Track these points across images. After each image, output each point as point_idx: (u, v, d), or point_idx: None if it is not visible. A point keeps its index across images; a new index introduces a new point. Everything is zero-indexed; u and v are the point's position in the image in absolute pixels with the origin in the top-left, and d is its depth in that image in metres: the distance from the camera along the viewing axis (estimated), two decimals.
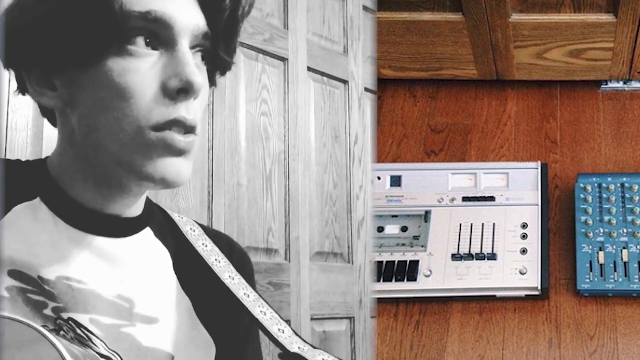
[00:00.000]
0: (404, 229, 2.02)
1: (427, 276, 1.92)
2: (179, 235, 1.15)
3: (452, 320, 1.92)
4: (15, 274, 0.95)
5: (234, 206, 2.69)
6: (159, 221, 1.15)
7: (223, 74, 1.11)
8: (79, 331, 0.96)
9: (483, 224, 2.01)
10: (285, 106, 2.97)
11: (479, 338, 1.89)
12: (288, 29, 3.02)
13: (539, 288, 1.89)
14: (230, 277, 1.12)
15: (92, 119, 0.97)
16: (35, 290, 0.95)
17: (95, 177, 1.02)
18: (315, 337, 2.95)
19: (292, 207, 2.92)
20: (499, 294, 1.93)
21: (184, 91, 0.96)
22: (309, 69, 3.10)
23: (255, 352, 1.23)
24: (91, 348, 0.96)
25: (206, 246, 1.15)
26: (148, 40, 0.97)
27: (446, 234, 1.99)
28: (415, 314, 1.94)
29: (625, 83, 2.40)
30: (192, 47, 1.00)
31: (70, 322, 0.96)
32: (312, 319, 2.95)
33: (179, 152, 0.96)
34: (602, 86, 2.41)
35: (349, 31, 3.32)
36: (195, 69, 0.97)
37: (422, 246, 1.98)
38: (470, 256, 1.95)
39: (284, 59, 2.99)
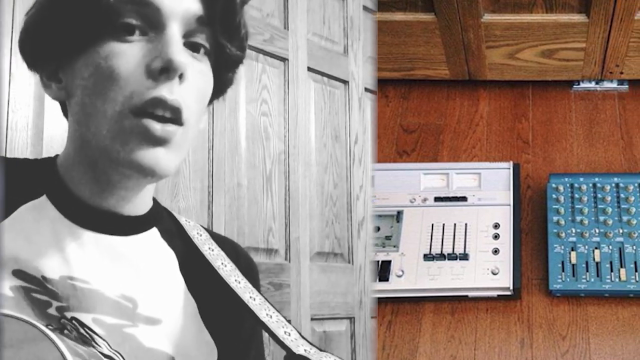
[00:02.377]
0: (376, 229, 2.01)
1: (399, 276, 1.91)
2: (186, 238, 1.15)
3: (424, 320, 1.92)
4: (19, 273, 0.95)
5: (234, 206, 2.68)
6: (166, 223, 1.14)
7: (231, 69, 1.10)
8: (82, 330, 0.96)
9: (455, 224, 2.00)
10: (285, 106, 2.96)
11: (450, 338, 1.88)
12: (288, 29, 3.01)
13: (511, 288, 1.89)
14: (236, 280, 1.12)
15: (85, 106, 0.98)
16: (38, 289, 0.95)
17: (92, 171, 1.02)
18: (315, 337, 2.93)
19: (292, 207, 2.91)
20: (470, 294, 1.92)
21: (165, 70, 0.95)
22: (309, 69, 3.09)
23: (258, 358, 1.22)
24: (94, 347, 0.95)
25: (212, 250, 1.15)
26: (137, 24, 0.97)
27: (418, 234, 1.99)
28: (387, 314, 1.93)
29: (597, 83, 2.40)
30: (189, 33, 1.00)
31: (73, 321, 0.96)
32: (312, 319, 2.93)
33: (156, 141, 0.96)
34: (574, 86, 2.42)
35: (349, 31, 3.31)
36: (178, 48, 0.96)
37: (394, 246, 1.97)
38: (442, 256, 1.94)
39: (284, 59, 2.97)
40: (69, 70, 1.01)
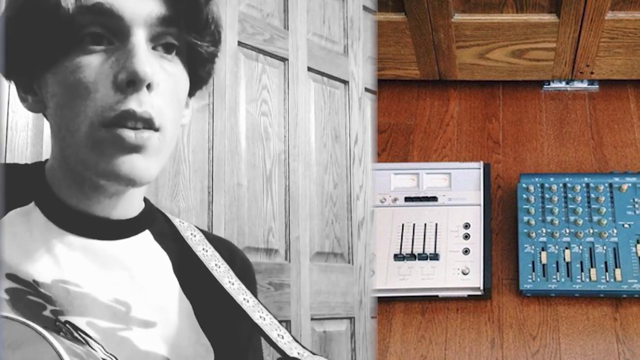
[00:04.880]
0: None
1: (370, 276, 1.90)
2: (180, 239, 1.14)
3: (394, 320, 1.91)
4: (12, 277, 0.95)
5: (234, 206, 2.66)
6: (159, 225, 1.14)
7: (206, 65, 1.08)
8: (76, 334, 0.95)
9: (425, 224, 2.00)
10: (285, 106, 2.95)
11: (421, 338, 1.87)
12: (288, 29, 3.00)
13: (481, 288, 1.89)
14: (229, 282, 1.11)
15: (57, 119, 0.98)
16: (32, 292, 0.95)
17: (74, 178, 1.02)
18: (315, 337, 2.92)
19: (292, 207, 2.90)
20: (441, 294, 1.92)
21: (132, 82, 0.94)
22: (309, 69, 3.08)
23: (256, 359, 1.21)
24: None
25: (206, 251, 1.14)
26: (101, 34, 0.96)
27: (388, 234, 1.98)
28: None
29: (567, 83, 2.40)
30: (156, 37, 0.99)
31: (67, 325, 0.95)
32: (312, 319, 2.92)
33: (131, 149, 0.95)
34: (545, 86, 2.42)
35: (349, 31, 3.31)
36: (143, 58, 0.94)
37: None
38: (412, 256, 1.93)
39: (284, 59, 2.96)
40: (42, 82, 1.00)
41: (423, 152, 2.27)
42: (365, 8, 3.41)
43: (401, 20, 2.20)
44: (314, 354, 1.05)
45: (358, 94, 3.31)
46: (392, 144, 2.30)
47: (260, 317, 1.08)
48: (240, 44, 2.76)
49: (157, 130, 0.97)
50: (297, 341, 1.07)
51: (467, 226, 1.98)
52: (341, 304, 3.07)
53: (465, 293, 1.91)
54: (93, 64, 0.95)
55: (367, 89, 3.35)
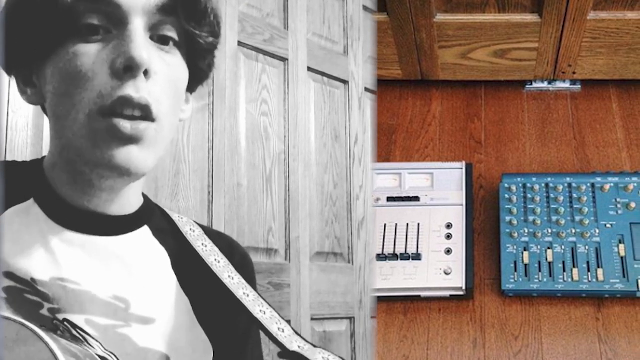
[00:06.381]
0: None
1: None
2: (179, 235, 1.14)
3: (376, 320, 1.90)
4: (9, 275, 0.95)
5: (234, 206, 2.66)
6: (158, 221, 1.14)
7: (206, 56, 1.08)
8: (74, 332, 0.95)
9: (407, 224, 1.99)
10: (285, 106, 2.95)
11: (403, 338, 1.87)
12: (288, 29, 3.00)
13: (464, 288, 1.88)
14: (229, 276, 1.11)
15: (55, 109, 0.98)
16: (29, 290, 0.95)
17: (70, 173, 1.02)
18: (315, 337, 2.92)
19: (292, 207, 2.90)
20: (423, 294, 1.91)
21: (129, 68, 0.94)
22: (309, 69, 3.08)
23: (255, 355, 1.21)
24: (87, 349, 0.94)
25: (205, 246, 1.14)
26: (99, 24, 0.96)
27: (371, 234, 1.97)
28: None
29: (549, 83, 2.40)
30: (154, 26, 0.99)
31: (65, 323, 0.95)
32: (312, 319, 2.92)
33: (127, 139, 0.95)
34: (527, 86, 2.42)
35: (349, 31, 3.31)
36: (140, 44, 0.95)
37: None
38: (394, 256, 1.93)
39: (284, 59, 2.96)
40: (41, 74, 1.00)
41: (405, 152, 2.27)
42: (365, 8, 3.42)
43: (383, 20, 2.20)
44: (315, 346, 1.04)
45: (358, 94, 3.31)
46: (375, 144, 2.30)
47: (261, 310, 1.07)
48: (240, 44, 2.75)
49: (153, 120, 0.97)
50: (298, 334, 1.07)
51: (449, 226, 1.98)
52: (341, 304, 3.07)
53: (447, 293, 1.91)
54: (91, 52, 0.95)
55: (367, 89, 3.35)
